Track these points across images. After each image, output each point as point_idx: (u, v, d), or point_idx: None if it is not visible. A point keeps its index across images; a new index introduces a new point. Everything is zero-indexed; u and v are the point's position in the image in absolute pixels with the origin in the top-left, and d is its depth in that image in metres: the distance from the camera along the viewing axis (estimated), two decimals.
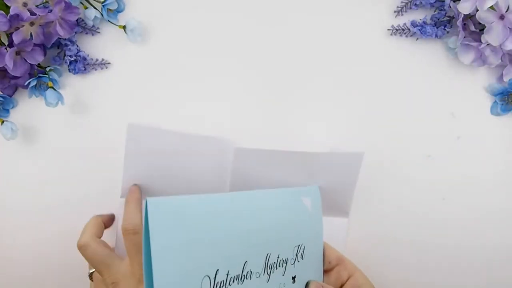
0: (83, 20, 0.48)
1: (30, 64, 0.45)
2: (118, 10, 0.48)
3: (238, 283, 0.34)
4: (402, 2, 0.48)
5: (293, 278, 0.39)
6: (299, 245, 0.39)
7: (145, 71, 0.48)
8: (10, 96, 0.47)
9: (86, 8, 0.47)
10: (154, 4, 0.49)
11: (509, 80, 0.47)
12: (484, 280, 0.48)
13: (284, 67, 0.48)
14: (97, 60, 0.48)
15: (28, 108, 0.48)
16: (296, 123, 0.48)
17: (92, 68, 0.48)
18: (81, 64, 0.47)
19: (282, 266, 0.38)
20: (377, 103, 0.48)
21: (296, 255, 0.39)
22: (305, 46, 0.48)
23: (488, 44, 0.44)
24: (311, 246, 0.40)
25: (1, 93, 0.47)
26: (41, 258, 0.48)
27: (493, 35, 0.43)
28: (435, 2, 0.47)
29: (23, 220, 0.48)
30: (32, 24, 0.43)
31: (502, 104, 0.47)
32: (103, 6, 0.46)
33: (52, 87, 0.45)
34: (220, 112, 0.48)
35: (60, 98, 0.45)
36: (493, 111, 0.48)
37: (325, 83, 0.48)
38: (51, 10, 0.43)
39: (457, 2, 0.44)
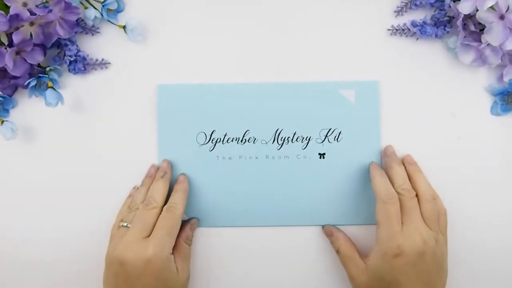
0: (83, 20, 0.48)
1: (30, 64, 0.45)
2: (118, 10, 0.48)
3: (238, 143, 0.47)
4: (402, 2, 0.48)
5: (321, 154, 0.47)
6: (330, 129, 0.47)
7: (145, 71, 0.48)
8: (10, 96, 0.47)
9: (86, 8, 0.47)
10: (154, 4, 0.49)
11: (509, 80, 0.47)
12: None
13: (284, 68, 0.48)
14: (97, 60, 0.48)
15: (28, 108, 0.48)
16: None
17: (92, 68, 0.48)
18: (81, 64, 0.47)
19: (302, 142, 0.47)
20: None
21: (326, 136, 0.47)
22: (305, 46, 0.48)
23: (488, 44, 0.44)
24: (351, 133, 0.47)
25: (1, 93, 0.47)
26: (40, 257, 0.48)
27: (493, 35, 0.43)
28: (435, 2, 0.47)
29: (23, 220, 0.48)
30: (32, 24, 0.43)
31: (502, 104, 0.47)
32: (103, 6, 0.46)
33: (52, 87, 0.45)
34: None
35: (60, 98, 0.45)
36: (493, 111, 0.48)
37: None
38: (51, 10, 0.43)
39: (457, 2, 0.44)
